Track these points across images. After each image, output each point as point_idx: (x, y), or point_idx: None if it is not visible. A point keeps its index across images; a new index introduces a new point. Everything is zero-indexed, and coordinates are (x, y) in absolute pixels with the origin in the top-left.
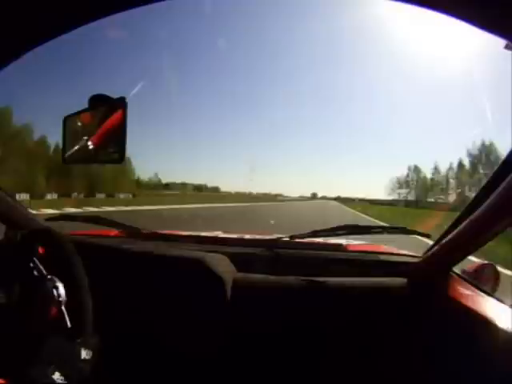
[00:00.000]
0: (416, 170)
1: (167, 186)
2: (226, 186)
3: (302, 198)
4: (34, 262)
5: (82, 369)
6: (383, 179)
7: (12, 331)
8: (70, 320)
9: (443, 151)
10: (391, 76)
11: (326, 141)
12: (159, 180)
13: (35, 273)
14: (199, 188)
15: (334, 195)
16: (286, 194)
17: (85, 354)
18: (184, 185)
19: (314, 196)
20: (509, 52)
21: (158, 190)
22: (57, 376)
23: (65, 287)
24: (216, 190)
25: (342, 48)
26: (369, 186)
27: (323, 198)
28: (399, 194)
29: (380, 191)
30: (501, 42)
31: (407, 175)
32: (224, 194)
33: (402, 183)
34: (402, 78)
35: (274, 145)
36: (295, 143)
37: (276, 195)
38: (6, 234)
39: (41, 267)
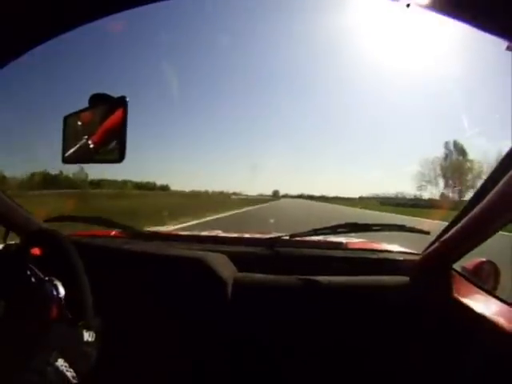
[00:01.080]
0: (457, 146)
1: (98, 183)
2: (178, 184)
3: (261, 197)
4: (31, 270)
5: (86, 352)
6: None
7: (14, 332)
8: (71, 312)
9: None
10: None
11: (293, 131)
12: (86, 175)
13: (33, 279)
14: (144, 186)
15: (296, 193)
16: (244, 193)
17: (87, 335)
18: (125, 182)
19: (275, 194)
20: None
21: (84, 188)
22: (60, 363)
23: (64, 285)
24: (165, 188)
25: (339, 42)
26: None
27: (285, 196)
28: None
29: (357, 188)
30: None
31: (446, 157)
32: (167, 194)
33: (446, 169)
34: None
35: (232, 140)
36: (255, 137)
37: (232, 193)
38: (4, 236)
39: (38, 273)
